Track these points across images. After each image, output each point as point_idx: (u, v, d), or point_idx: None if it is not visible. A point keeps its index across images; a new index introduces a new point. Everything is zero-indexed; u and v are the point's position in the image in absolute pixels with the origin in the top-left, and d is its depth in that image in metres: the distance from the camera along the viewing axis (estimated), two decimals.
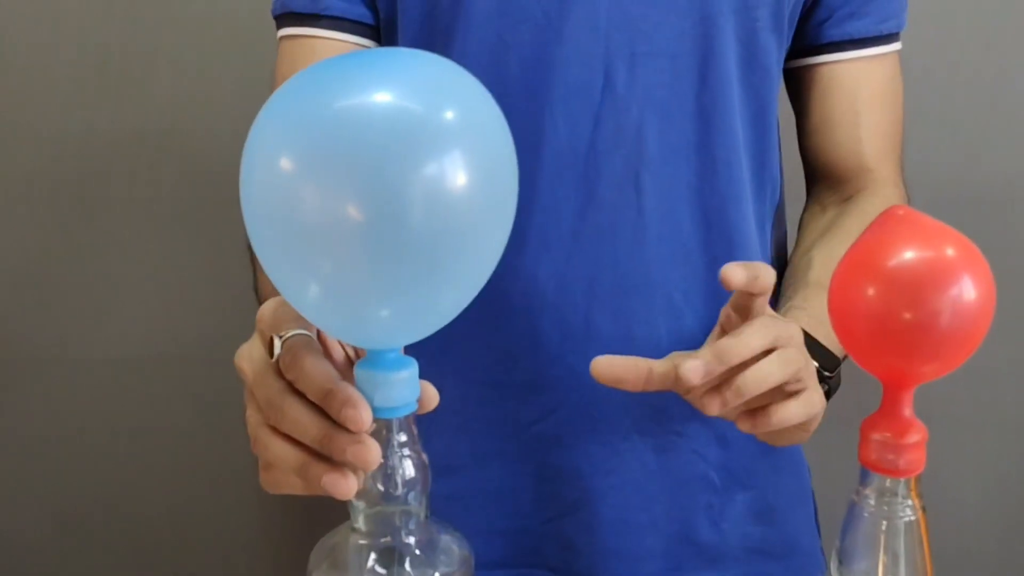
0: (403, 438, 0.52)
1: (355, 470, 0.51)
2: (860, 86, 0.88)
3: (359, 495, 0.52)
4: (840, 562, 0.53)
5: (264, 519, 1.33)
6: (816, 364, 0.71)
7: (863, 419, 0.52)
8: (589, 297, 0.80)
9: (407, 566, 0.53)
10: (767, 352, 0.63)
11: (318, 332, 0.55)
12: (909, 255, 0.49)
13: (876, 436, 0.51)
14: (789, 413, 0.65)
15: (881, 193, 0.88)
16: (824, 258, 0.82)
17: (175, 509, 1.33)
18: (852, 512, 0.53)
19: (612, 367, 0.65)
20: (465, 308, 0.51)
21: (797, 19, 0.85)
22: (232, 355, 0.58)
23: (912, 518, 0.52)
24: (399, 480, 0.52)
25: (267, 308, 0.56)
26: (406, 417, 0.52)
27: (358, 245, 0.46)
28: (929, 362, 0.50)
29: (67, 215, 1.28)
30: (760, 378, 0.63)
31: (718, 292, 0.60)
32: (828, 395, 0.74)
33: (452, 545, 0.55)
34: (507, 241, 0.51)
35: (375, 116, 0.46)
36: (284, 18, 0.86)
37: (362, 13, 0.84)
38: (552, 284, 0.80)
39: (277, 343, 0.53)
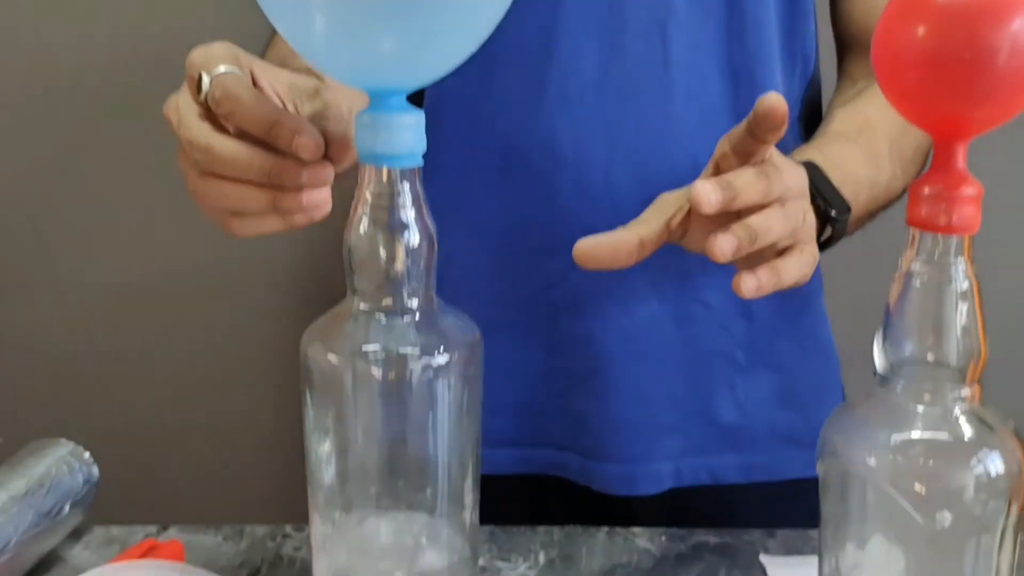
0: (409, 197, 0.48)
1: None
2: None
3: (358, 267, 0.48)
4: (885, 344, 0.48)
5: (263, 439, 1.28)
6: (829, 208, 0.68)
7: None
8: (610, 154, 0.75)
9: (409, 343, 0.48)
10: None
11: (252, 77, 0.52)
12: None
13: (927, 190, 0.46)
14: (788, 271, 0.62)
15: None
16: (848, 112, 0.78)
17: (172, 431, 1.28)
18: (901, 289, 0.48)
19: (597, 248, 0.63)
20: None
21: None
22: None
23: (967, 285, 0.47)
24: (403, 246, 0.48)
25: (196, 51, 0.54)
26: (412, 175, 0.48)
27: None
28: (984, 105, 0.45)
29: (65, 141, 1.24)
30: (766, 227, 0.60)
31: None
32: (831, 241, 0.71)
33: (459, 326, 0.50)
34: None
35: None
36: None
37: None
38: (571, 140, 0.75)
39: (205, 79, 0.51)
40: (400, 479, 0.50)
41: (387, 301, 0.48)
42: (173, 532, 0.72)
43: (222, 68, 0.52)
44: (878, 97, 0.77)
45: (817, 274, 0.78)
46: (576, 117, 0.75)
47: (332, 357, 0.48)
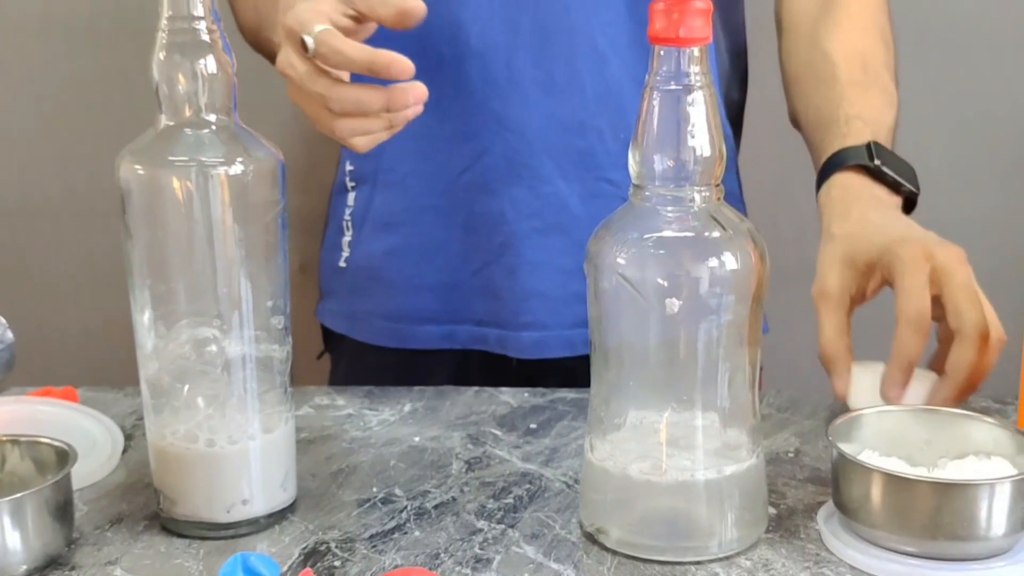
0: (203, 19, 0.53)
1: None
2: None
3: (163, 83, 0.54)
4: (635, 154, 0.53)
5: None
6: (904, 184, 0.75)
7: None
8: (511, 42, 0.80)
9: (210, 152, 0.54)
10: None
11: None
12: None
13: (661, 5, 0.51)
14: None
15: None
16: (844, 51, 0.81)
17: None
18: (645, 105, 0.52)
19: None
20: None
21: None
22: None
23: (701, 94, 0.51)
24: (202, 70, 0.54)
25: (287, 17, 0.64)
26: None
27: None
28: None
29: None
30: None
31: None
32: (914, 204, 0.76)
33: (258, 144, 0.56)
34: None
35: None
36: None
37: None
38: (475, 29, 0.80)
39: (308, 40, 0.62)
40: (202, 296, 0.55)
41: (189, 113, 0.54)
42: (82, 392, 0.79)
43: (317, 27, 0.62)
44: (853, 20, 0.82)
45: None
46: (479, 6, 0.80)
47: (138, 169, 0.54)
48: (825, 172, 0.77)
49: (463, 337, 0.87)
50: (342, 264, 0.89)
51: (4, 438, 0.58)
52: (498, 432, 0.71)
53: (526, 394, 0.78)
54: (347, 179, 0.88)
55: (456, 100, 0.82)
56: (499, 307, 0.85)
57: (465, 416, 0.74)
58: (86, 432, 0.67)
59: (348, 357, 0.91)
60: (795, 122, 0.87)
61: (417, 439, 0.70)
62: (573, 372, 0.81)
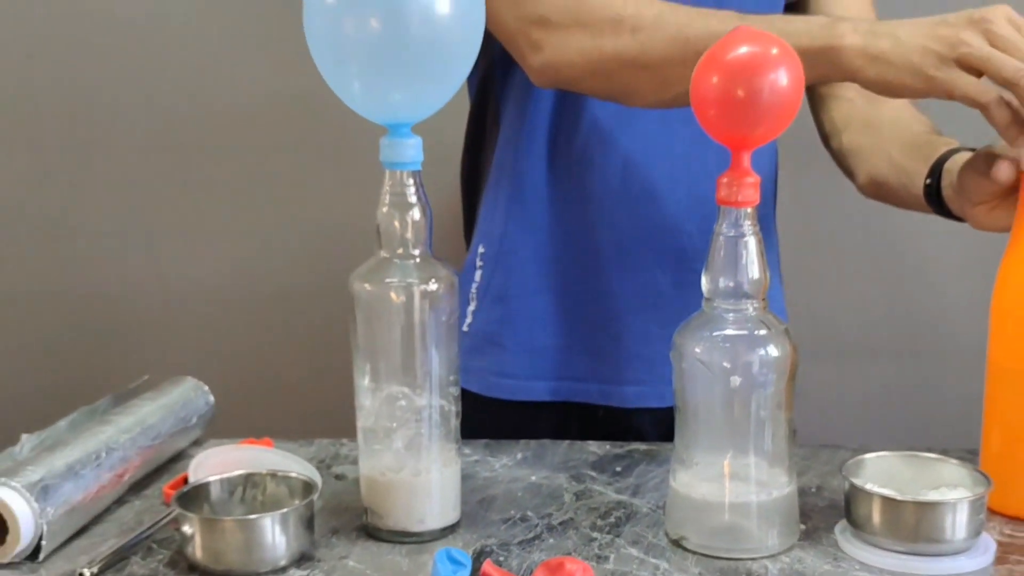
0: (412, 188, 0.78)
1: None
2: None
3: (383, 230, 0.79)
4: (707, 276, 0.78)
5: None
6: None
7: None
8: (626, 159, 1.06)
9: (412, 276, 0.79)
10: None
11: None
12: (743, 50, 0.75)
13: (724, 180, 0.76)
14: None
15: None
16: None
17: None
18: (715, 240, 0.77)
19: None
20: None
21: None
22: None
23: (752, 237, 0.76)
24: (409, 218, 0.79)
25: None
26: (415, 175, 0.79)
27: (380, 48, 0.74)
28: (757, 128, 0.75)
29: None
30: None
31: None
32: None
33: (444, 268, 0.81)
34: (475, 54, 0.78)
35: None
36: None
37: None
38: (598, 150, 1.07)
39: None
40: (415, 369, 0.80)
41: (400, 251, 0.79)
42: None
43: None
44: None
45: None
46: (602, 133, 1.06)
47: (366, 286, 0.79)
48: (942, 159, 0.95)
49: (566, 391, 1.10)
50: (465, 328, 1.12)
51: (265, 472, 0.82)
52: (593, 473, 0.95)
53: (608, 446, 1.01)
54: (477, 259, 1.12)
55: (576, 203, 1.07)
56: (602, 366, 1.09)
57: (565, 462, 0.98)
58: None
59: (464, 406, 1.16)
60: (870, 183, 1.07)
61: (533, 478, 0.94)
62: (657, 426, 1.05)
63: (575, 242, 1.08)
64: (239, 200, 1.66)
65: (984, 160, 0.86)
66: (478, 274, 1.12)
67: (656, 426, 1.07)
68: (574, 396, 1.10)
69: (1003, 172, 0.83)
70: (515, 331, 1.09)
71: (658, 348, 1.06)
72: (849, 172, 1.11)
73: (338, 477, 0.95)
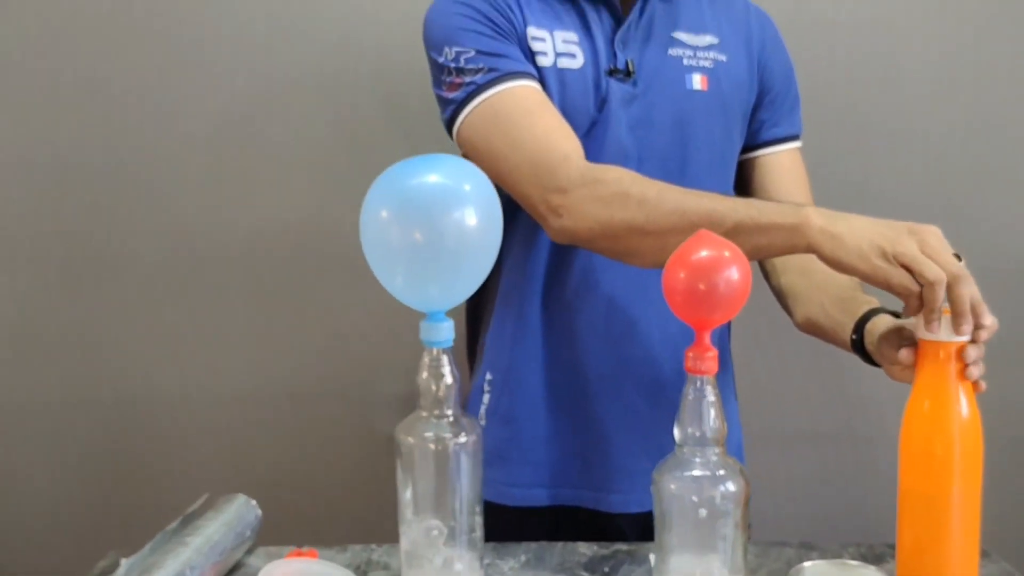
0: (446, 361, 0.99)
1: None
2: (786, 165, 1.39)
3: (423, 394, 0.99)
4: (678, 427, 0.99)
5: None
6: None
7: None
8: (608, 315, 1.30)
9: (447, 432, 0.99)
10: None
11: None
12: (703, 253, 0.97)
13: (691, 354, 0.98)
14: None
15: None
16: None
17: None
18: (684, 399, 0.98)
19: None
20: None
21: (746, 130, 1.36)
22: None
23: (713, 399, 0.98)
24: (443, 385, 0.99)
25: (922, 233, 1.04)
26: (447, 351, 0.99)
27: (421, 254, 0.95)
28: (714, 313, 0.97)
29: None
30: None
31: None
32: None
33: (471, 424, 1.01)
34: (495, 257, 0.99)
35: (428, 186, 0.95)
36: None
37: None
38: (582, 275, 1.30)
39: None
40: (448, 505, 1.00)
41: (436, 412, 0.99)
42: (307, 548, 1.22)
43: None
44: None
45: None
46: (588, 279, 1.29)
47: (410, 439, 0.99)
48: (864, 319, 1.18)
49: (563, 497, 1.32)
50: None
51: None
52: (585, 574, 1.15)
53: (596, 547, 1.22)
54: (485, 384, 1.34)
55: (567, 339, 1.30)
56: (591, 475, 1.31)
57: (561, 563, 1.18)
58: None
59: None
60: (807, 323, 1.31)
61: None
62: (636, 525, 1.27)
63: (567, 373, 1.30)
64: (257, 308, 1.86)
65: (896, 335, 1.10)
66: (486, 397, 1.33)
67: (633, 526, 1.28)
68: (569, 501, 1.31)
69: (905, 357, 1.06)
70: (520, 447, 1.30)
71: (639, 461, 1.29)
72: (788, 310, 1.34)
73: None
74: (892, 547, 1.12)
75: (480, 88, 1.22)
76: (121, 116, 1.80)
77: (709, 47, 1.31)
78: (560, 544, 1.23)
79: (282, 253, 1.83)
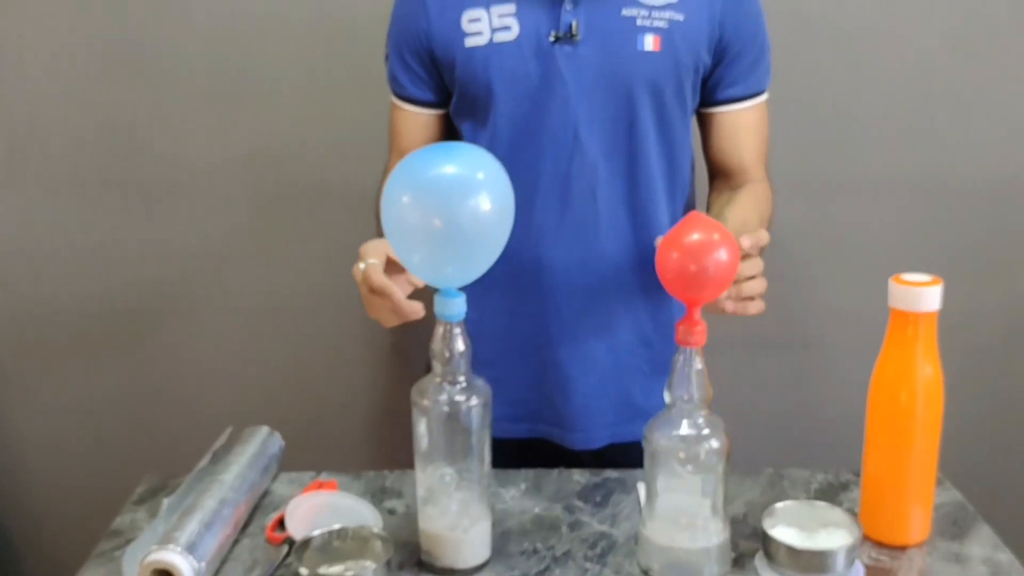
0: (458, 332, 1.08)
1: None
2: (740, 123, 1.44)
3: (435, 359, 1.09)
4: (668, 391, 1.09)
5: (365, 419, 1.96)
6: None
7: None
8: (566, 262, 1.39)
9: (459, 395, 1.09)
10: None
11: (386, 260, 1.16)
12: (695, 235, 1.05)
13: (682, 327, 1.07)
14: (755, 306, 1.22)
15: (755, 184, 1.44)
16: (733, 213, 1.37)
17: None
18: (674, 366, 1.08)
19: None
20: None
21: (700, 88, 1.41)
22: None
23: (700, 367, 1.08)
24: (455, 351, 1.09)
25: (363, 247, 1.17)
26: (459, 324, 1.08)
27: (439, 237, 1.03)
28: (703, 291, 1.06)
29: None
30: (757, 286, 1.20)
31: (645, 265, 1.17)
32: None
33: (482, 387, 1.11)
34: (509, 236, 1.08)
35: (447, 175, 1.02)
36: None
37: (429, 98, 1.43)
38: (548, 265, 1.39)
39: (360, 266, 1.16)
40: (460, 457, 1.11)
41: (449, 377, 1.09)
42: (324, 475, 1.34)
43: (371, 260, 1.15)
44: (744, 199, 1.40)
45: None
46: (555, 251, 1.38)
47: (425, 401, 1.09)
48: None
49: (535, 431, 1.47)
50: None
51: (350, 529, 1.13)
52: (580, 503, 1.28)
53: (588, 474, 1.35)
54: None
55: (527, 301, 1.41)
56: (558, 414, 1.44)
57: (558, 491, 1.31)
58: (360, 513, 1.23)
59: None
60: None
61: (536, 510, 1.27)
62: (598, 458, 1.39)
63: (534, 326, 1.43)
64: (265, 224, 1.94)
65: None
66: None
67: (595, 462, 1.42)
68: (538, 434, 1.47)
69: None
70: (498, 387, 1.42)
71: (600, 403, 1.44)
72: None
73: (391, 512, 1.27)
74: (857, 475, 1.25)
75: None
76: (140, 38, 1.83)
77: (666, 6, 1.33)
78: (555, 472, 1.35)
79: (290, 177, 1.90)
